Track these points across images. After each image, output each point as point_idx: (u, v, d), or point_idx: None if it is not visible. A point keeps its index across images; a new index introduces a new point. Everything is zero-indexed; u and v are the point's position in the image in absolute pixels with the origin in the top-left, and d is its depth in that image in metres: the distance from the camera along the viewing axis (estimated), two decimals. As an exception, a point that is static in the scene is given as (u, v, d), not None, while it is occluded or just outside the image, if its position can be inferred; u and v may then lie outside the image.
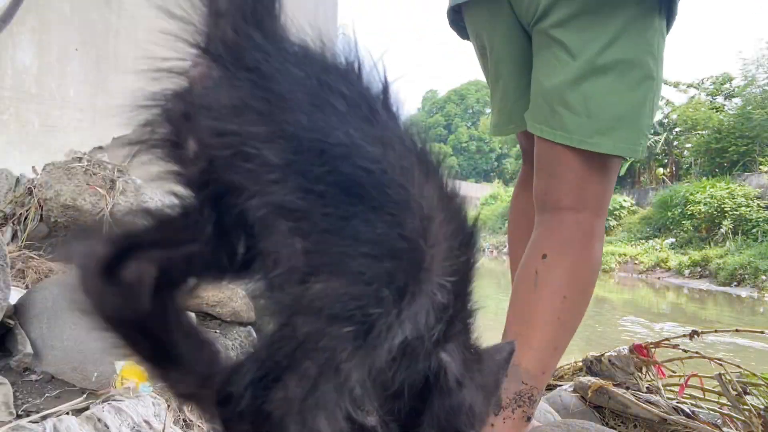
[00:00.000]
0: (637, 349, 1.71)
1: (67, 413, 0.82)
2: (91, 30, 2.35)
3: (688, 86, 24.38)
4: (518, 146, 1.25)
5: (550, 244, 0.93)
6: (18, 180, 1.65)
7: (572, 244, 0.92)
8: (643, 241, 17.79)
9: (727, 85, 23.21)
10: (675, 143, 23.78)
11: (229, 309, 1.44)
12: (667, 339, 1.73)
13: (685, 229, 16.77)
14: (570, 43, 0.88)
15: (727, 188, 16.36)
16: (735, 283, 12.36)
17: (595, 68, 0.87)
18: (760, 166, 17.16)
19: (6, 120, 2.03)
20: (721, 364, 1.51)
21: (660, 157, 23.92)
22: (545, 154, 0.94)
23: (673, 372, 1.73)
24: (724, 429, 1.41)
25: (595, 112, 0.87)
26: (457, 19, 1.16)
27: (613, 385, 1.58)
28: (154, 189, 1.70)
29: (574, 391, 1.65)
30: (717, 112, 21.49)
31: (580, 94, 0.87)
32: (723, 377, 1.48)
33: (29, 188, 1.58)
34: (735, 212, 15.53)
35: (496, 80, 1.08)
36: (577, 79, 0.87)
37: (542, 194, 0.96)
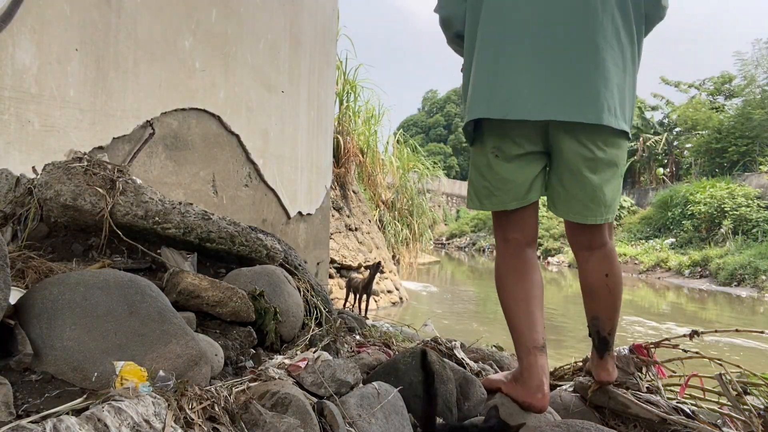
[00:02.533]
0: (637, 349, 1.72)
1: (67, 413, 0.82)
2: (91, 30, 2.35)
3: (688, 86, 24.37)
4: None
5: (608, 266, 1.50)
6: (18, 180, 1.65)
7: (614, 262, 1.52)
8: (643, 241, 17.80)
9: (727, 86, 23.20)
10: (675, 143, 23.77)
11: (229, 309, 1.44)
12: (667, 339, 1.73)
13: (685, 229, 16.78)
14: (596, 173, 1.41)
15: (727, 188, 16.36)
16: (735, 283, 12.37)
17: (609, 180, 1.44)
18: (760, 166, 17.16)
19: (6, 120, 2.03)
20: (721, 364, 1.51)
21: (660, 157, 23.92)
22: (579, 226, 1.50)
23: (673, 372, 1.73)
24: (724, 429, 1.41)
25: (609, 203, 1.45)
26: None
27: (613, 385, 1.59)
28: (153, 189, 1.70)
29: (574, 391, 1.65)
30: (717, 112, 21.48)
31: (603, 195, 1.43)
32: (723, 377, 1.48)
33: (29, 188, 1.58)
34: (735, 212, 15.53)
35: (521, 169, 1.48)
36: (600, 186, 1.42)
37: (588, 242, 1.52)
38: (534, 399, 1.34)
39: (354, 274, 6.21)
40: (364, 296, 4.97)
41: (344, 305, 5.29)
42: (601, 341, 1.54)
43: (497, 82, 1.35)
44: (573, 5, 1.32)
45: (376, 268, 4.87)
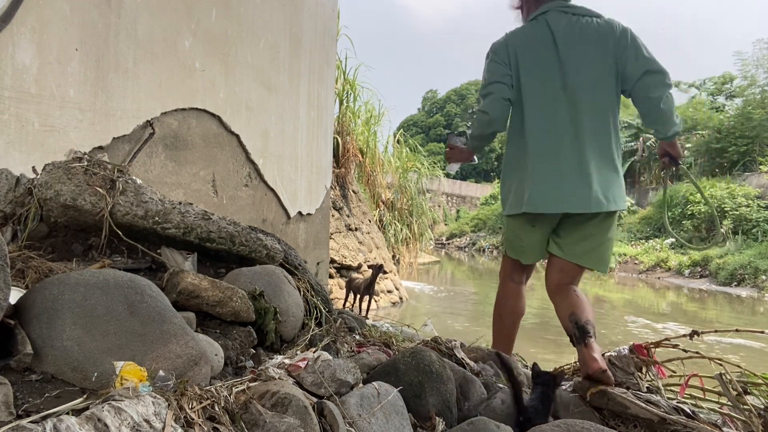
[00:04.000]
0: (637, 349, 1.72)
1: (67, 413, 0.82)
2: (91, 30, 2.35)
3: (689, 86, 24.36)
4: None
5: (576, 302, 1.90)
6: (18, 180, 1.65)
7: (578, 295, 1.95)
8: (643, 241, 17.79)
9: (728, 86, 23.16)
10: (675, 143, 23.72)
11: (229, 309, 1.44)
12: (667, 339, 1.73)
13: (685, 229, 16.78)
14: (595, 236, 2.02)
15: (727, 188, 16.36)
16: (735, 283, 12.36)
17: (605, 242, 2.03)
18: (760, 166, 17.16)
19: (6, 120, 2.03)
20: (721, 364, 1.51)
21: (660, 157, 23.86)
22: (566, 266, 2.05)
23: (673, 372, 1.73)
24: (724, 429, 1.41)
25: (604, 258, 2.05)
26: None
27: (614, 384, 1.58)
28: (154, 189, 1.70)
29: (574, 391, 1.65)
30: (717, 112, 21.45)
31: (598, 253, 2.03)
32: (723, 377, 1.48)
33: (29, 188, 1.58)
34: (735, 212, 15.53)
35: (538, 241, 2.12)
36: (596, 247, 2.02)
37: (558, 281, 2.04)
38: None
39: (354, 275, 6.18)
40: (365, 297, 4.94)
41: (344, 305, 5.26)
42: (581, 329, 1.77)
43: (543, 187, 1.96)
44: (592, 137, 1.93)
45: (378, 269, 4.83)
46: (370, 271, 4.89)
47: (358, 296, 5.04)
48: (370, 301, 4.96)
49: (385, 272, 4.90)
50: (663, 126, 1.94)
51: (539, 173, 1.95)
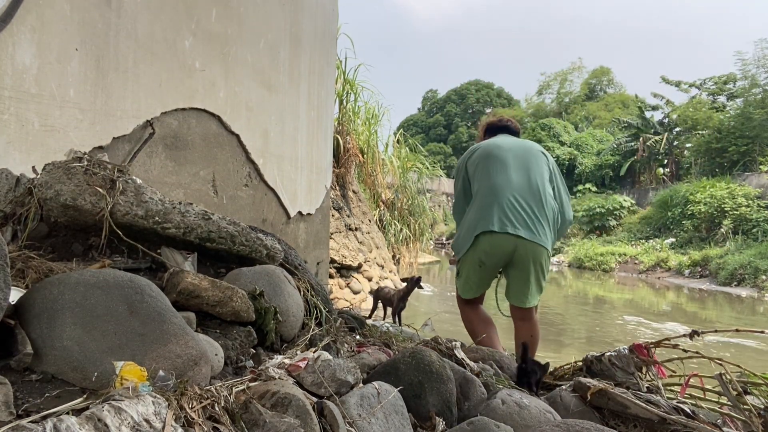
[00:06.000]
0: (637, 349, 1.72)
1: (67, 413, 0.82)
2: (91, 30, 2.35)
3: (689, 86, 24.36)
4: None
5: (533, 331, 2.67)
6: (18, 180, 1.64)
7: (536, 328, 2.70)
8: (643, 240, 17.80)
9: (729, 86, 23.16)
10: (675, 143, 23.76)
11: (229, 309, 1.43)
12: (667, 339, 1.73)
13: (685, 228, 16.79)
14: (530, 277, 2.62)
15: (727, 188, 16.37)
16: (735, 283, 12.37)
17: (538, 277, 2.63)
18: (760, 166, 17.17)
19: (6, 120, 2.03)
20: (721, 364, 1.51)
21: (660, 157, 23.91)
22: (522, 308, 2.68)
23: (673, 372, 1.73)
24: (724, 429, 1.41)
25: (536, 295, 2.65)
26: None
27: (614, 384, 1.59)
28: (154, 189, 1.70)
29: (574, 391, 1.65)
30: (718, 112, 21.45)
31: (533, 293, 2.64)
32: (723, 377, 1.48)
33: (29, 188, 1.58)
34: (735, 212, 15.54)
35: (487, 277, 2.78)
36: (532, 287, 2.63)
37: (522, 313, 2.68)
38: None
39: (384, 284, 6.11)
40: (400, 308, 4.83)
41: (370, 315, 5.08)
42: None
43: (495, 218, 2.59)
44: (535, 191, 2.64)
45: (415, 283, 4.72)
46: (400, 282, 4.79)
47: (390, 307, 4.90)
48: (400, 314, 4.87)
49: (420, 287, 4.79)
50: (560, 236, 2.86)
51: (501, 212, 2.67)
